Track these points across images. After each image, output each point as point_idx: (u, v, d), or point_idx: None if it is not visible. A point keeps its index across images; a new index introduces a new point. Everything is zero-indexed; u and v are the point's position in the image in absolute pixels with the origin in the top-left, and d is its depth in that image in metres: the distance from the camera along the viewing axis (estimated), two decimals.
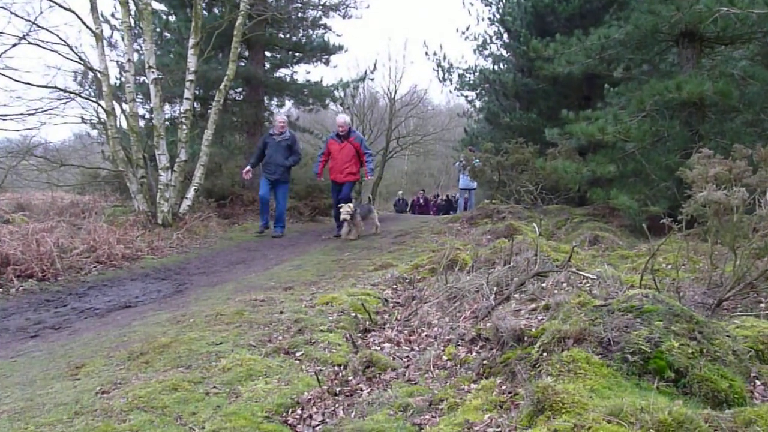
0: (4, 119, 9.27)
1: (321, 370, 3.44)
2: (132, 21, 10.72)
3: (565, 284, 4.39)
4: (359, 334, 4.40)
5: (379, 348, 3.99)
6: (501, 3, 18.29)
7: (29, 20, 9.28)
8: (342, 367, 3.51)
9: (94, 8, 9.64)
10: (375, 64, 42.47)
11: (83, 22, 9.77)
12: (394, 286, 5.96)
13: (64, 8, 9.12)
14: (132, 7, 10.58)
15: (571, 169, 10.39)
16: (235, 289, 6.18)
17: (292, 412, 2.99)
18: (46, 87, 10.80)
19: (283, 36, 16.32)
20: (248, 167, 10.14)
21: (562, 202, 12.72)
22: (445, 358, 3.66)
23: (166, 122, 11.75)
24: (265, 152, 10.26)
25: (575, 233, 8.43)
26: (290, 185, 10.55)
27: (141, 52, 12.55)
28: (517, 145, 12.84)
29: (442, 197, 27.64)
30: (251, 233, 10.82)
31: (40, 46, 9.31)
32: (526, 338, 3.37)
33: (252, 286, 6.33)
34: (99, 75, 9.96)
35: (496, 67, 18.64)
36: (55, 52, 10.95)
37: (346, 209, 9.41)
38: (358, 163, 9.93)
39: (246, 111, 15.40)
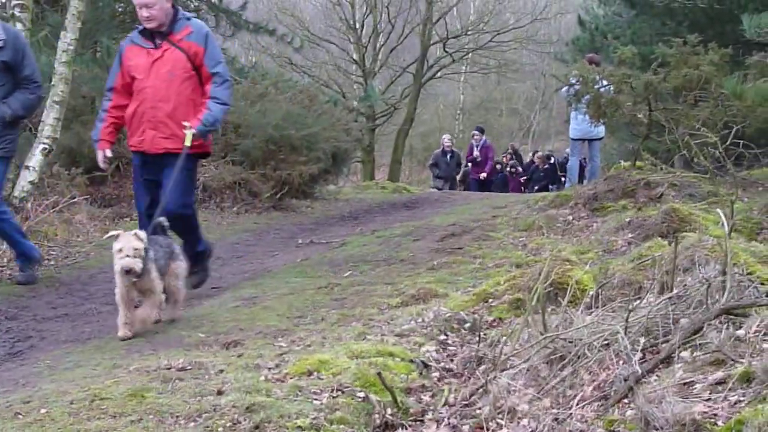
0: None
1: None
2: None
3: None
4: None
5: None
6: None
7: None
8: None
9: None
10: None
11: None
12: (442, 337, 4.45)
13: None
14: None
15: None
16: (128, 347, 4.76)
17: None
18: None
19: None
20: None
21: None
22: None
23: None
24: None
25: None
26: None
27: None
28: (687, 48, 9.10)
29: (539, 157, 21.33)
30: None
31: None
32: None
33: (161, 340, 4.90)
34: None
35: None
36: None
37: (126, 251, 4.99)
38: (197, 102, 6.09)
39: None
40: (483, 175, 18.18)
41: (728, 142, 7.60)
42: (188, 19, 6.17)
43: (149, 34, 6.09)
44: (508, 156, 21.44)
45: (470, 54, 31.43)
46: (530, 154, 22.75)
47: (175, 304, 5.51)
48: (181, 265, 5.58)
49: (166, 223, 5.55)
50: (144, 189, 6.19)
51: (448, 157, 17.96)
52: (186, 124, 5.86)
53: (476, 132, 18.70)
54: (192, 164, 6.22)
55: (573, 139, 12.45)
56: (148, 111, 5.98)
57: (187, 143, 5.81)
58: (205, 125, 5.89)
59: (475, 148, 17.95)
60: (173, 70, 5.98)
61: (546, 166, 20.58)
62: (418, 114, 32.54)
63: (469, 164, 18.79)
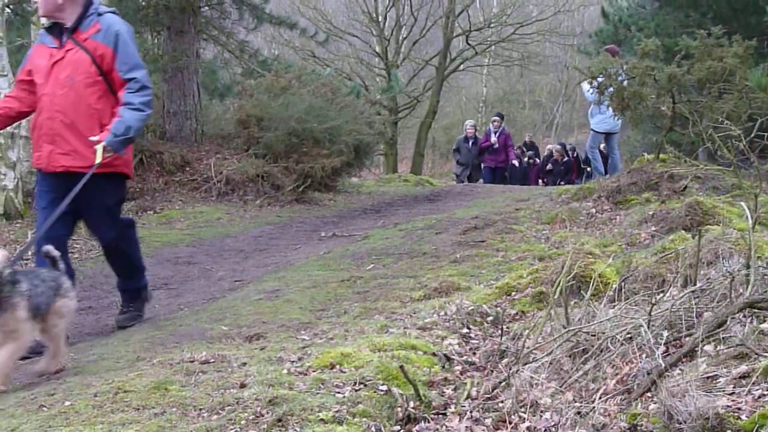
0: None
1: None
2: None
3: None
4: (397, 428, 3.26)
5: None
6: None
7: None
8: None
9: None
10: None
11: None
12: (465, 330, 4.43)
13: None
14: None
15: None
16: (151, 340, 4.74)
17: None
18: None
19: None
20: None
21: None
22: None
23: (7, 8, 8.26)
24: None
25: None
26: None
27: None
28: (711, 40, 9.03)
29: (557, 150, 21.06)
30: (181, 228, 8.90)
31: None
32: None
33: (184, 332, 4.88)
34: None
35: None
36: None
37: None
38: (104, 114, 5.14)
39: None
40: (515, 162, 17.75)
41: (752, 135, 7.20)
42: (100, 14, 5.16)
43: (58, 30, 5.17)
44: (524, 149, 20.99)
45: (493, 46, 31.03)
46: (548, 147, 22.17)
47: (55, 354, 4.29)
48: (68, 304, 4.45)
49: (56, 253, 4.48)
50: (47, 212, 5.02)
51: (470, 143, 17.46)
52: (93, 138, 4.93)
53: (496, 118, 18.05)
54: (109, 186, 5.14)
55: (598, 132, 12.19)
56: (45, 122, 5.07)
57: (98, 159, 4.89)
58: (116, 135, 4.92)
59: (492, 134, 17.24)
60: (73, 75, 5.04)
61: (565, 159, 20.25)
62: (441, 107, 32.23)
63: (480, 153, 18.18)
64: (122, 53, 5.09)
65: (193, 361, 4.12)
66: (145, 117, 5.18)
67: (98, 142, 4.94)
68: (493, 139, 16.99)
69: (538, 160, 21.47)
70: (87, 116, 5.04)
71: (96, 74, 5.07)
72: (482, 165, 17.86)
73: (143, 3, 13.32)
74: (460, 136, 18.96)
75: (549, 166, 20.79)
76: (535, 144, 23.42)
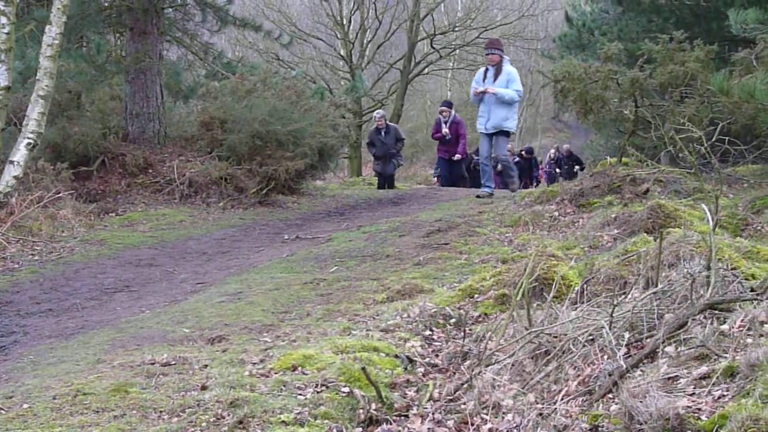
0: None
1: None
2: None
3: None
4: (359, 430, 3.27)
5: None
6: None
7: None
8: None
9: None
10: None
11: None
12: (428, 332, 4.46)
13: None
14: None
15: None
16: (112, 342, 4.70)
17: None
18: None
19: None
20: None
21: (765, 161, 9.57)
22: None
23: None
24: None
25: None
26: None
27: None
28: (673, 45, 9.14)
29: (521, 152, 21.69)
30: (143, 230, 8.86)
31: None
32: None
33: (145, 335, 4.85)
34: None
35: None
36: None
37: None
38: None
39: None
40: (457, 156, 16.20)
41: (714, 139, 7.44)
42: None
43: None
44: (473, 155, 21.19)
45: (457, 50, 30.99)
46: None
47: None
48: None
49: None
50: None
51: (383, 133, 16.08)
52: None
53: (445, 107, 16.76)
54: None
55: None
56: None
57: None
58: None
59: (443, 125, 16.02)
60: None
61: (516, 159, 20.22)
62: (405, 110, 32.24)
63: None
64: None
65: (153, 364, 4.08)
66: None
67: None
68: (445, 129, 15.92)
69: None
70: None
71: None
72: (438, 156, 17.13)
73: (106, 4, 13.16)
74: (371, 128, 17.91)
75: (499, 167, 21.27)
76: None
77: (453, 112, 16.73)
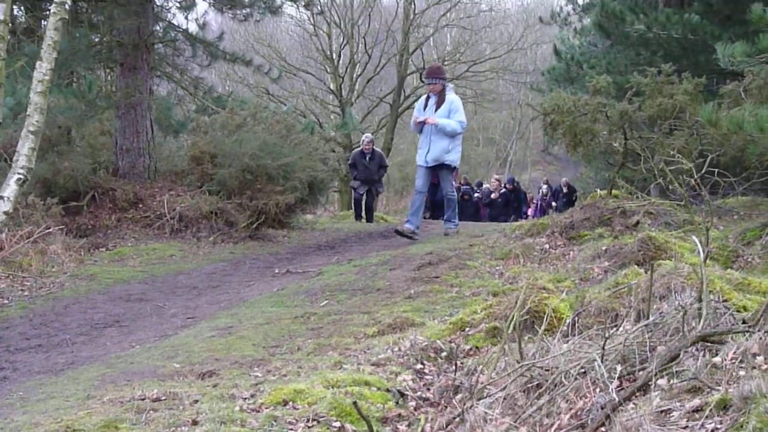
0: None
1: None
2: None
3: (761, 357, 3.17)
4: None
5: None
6: None
7: None
8: None
9: None
10: None
11: None
12: (419, 366, 4.43)
13: None
14: None
15: None
16: (101, 378, 4.65)
17: None
18: None
19: None
20: None
21: (755, 192, 9.67)
22: None
23: None
24: None
25: None
26: None
27: None
28: (662, 78, 9.15)
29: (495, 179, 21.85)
30: (134, 265, 8.79)
31: None
32: None
33: (135, 370, 4.81)
34: None
35: None
36: None
37: None
38: None
39: (118, 19, 11.99)
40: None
41: (703, 171, 7.41)
42: None
43: None
44: (462, 182, 20.85)
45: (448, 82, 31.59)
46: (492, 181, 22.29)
47: None
48: None
49: None
50: None
51: (367, 158, 15.76)
52: None
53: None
54: None
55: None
56: None
57: None
58: None
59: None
60: None
61: (502, 190, 20.25)
62: (395, 144, 32.29)
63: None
64: None
65: (144, 399, 4.04)
66: None
67: None
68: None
69: (477, 194, 21.41)
70: None
71: None
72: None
73: (96, 39, 13.21)
74: (356, 150, 17.14)
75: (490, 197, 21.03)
76: (468, 181, 23.06)
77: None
